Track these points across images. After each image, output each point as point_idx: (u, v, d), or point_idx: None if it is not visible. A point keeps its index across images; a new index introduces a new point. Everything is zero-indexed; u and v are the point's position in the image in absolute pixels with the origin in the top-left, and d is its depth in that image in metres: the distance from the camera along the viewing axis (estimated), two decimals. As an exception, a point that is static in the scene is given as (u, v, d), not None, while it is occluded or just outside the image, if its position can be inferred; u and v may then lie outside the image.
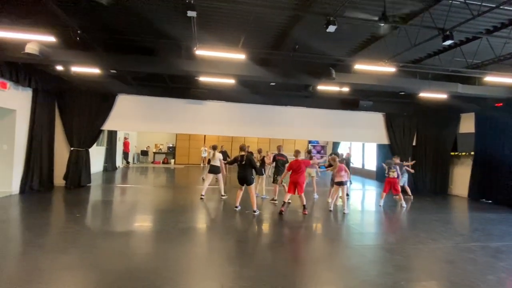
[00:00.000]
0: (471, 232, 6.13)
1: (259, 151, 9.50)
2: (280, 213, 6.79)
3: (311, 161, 8.48)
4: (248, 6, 5.30)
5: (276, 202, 8.11)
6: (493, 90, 8.66)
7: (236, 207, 7.04)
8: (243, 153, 6.85)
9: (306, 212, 6.99)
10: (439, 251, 4.89)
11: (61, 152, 9.28)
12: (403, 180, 9.69)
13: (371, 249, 5.00)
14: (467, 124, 10.74)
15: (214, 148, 8.65)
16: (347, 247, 5.20)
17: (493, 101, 9.52)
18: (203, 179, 12.14)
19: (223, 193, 8.46)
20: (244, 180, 6.85)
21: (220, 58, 6.88)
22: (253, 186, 6.99)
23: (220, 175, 8.41)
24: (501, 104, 9.45)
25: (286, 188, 8.31)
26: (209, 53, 6.50)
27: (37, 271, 3.58)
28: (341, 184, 7.36)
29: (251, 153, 7.56)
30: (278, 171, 8.47)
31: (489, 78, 7.78)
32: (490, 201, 9.55)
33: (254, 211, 6.76)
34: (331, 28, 5.14)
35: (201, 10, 5.23)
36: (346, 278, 3.87)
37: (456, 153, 10.89)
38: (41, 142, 8.46)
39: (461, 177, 10.90)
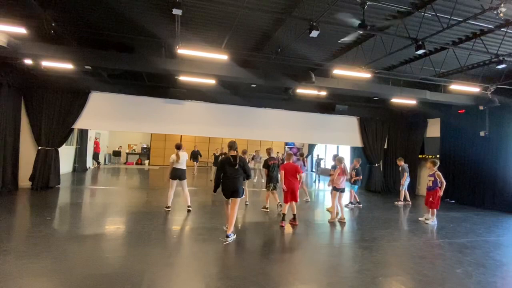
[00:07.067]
0: (438, 230, 6.55)
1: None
2: (281, 227, 6.02)
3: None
4: (233, 7, 5.32)
5: (268, 211, 7.36)
6: (457, 98, 9.35)
7: (228, 235, 5.02)
8: (234, 152, 5.04)
9: (297, 223, 6.20)
10: (412, 247, 5.19)
11: (27, 151, 8.70)
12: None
13: (350, 247, 5.20)
14: (433, 129, 11.47)
15: (178, 147, 6.82)
16: (327, 245, 5.36)
17: (457, 108, 10.28)
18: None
19: (189, 204, 6.99)
20: (235, 190, 5.00)
21: (202, 58, 6.82)
22: (239, 200, 5.14)
23: (185, 181, 6.91)
24: (463, 110, 10.23)
25: (277, 196, 7.46)
26: (192, 52, 6.41)
27: (5, 278, 3.32)
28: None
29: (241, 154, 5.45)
30: (271, 177, 7.34)
31: (454, 87, 8.39)
32: (453, 201, 10.25)
33: (228, 236, 4.98)
34: (314, 33, 5.29)
35: (185, 9, 5.17)
36: (328, 275, 3.99)
37: (423, 156, 11.57)
38: (4, 140, 7.89)
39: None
